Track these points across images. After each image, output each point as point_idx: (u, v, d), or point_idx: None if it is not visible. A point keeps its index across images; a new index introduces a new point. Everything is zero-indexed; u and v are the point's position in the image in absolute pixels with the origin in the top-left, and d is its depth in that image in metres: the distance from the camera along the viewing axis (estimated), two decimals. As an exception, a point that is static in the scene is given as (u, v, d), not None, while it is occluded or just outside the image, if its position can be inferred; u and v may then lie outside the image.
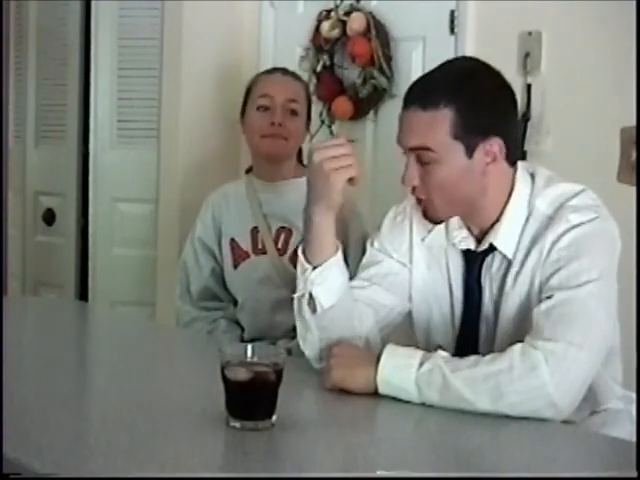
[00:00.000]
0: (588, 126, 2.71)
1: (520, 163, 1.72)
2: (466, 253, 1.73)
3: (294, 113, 2.39)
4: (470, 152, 1.61)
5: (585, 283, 1.57)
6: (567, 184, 1.69)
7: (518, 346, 1.52)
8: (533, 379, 1.48)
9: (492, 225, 1.69)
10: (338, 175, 1.60)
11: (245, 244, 2.44)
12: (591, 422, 1.73)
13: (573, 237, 1.61)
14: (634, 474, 1.27)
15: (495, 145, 1.62)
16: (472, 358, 1.54)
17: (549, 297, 1.58)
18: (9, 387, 1.56)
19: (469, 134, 1.60)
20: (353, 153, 1.62)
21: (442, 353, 1.56)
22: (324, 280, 1.67)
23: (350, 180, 1.62)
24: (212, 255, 2.51)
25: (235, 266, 2.45)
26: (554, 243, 1.62)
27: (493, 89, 1.64)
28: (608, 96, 2.67)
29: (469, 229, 1.73)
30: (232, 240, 2.46)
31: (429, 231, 1.78)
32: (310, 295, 1.68)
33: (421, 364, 1.53)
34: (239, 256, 2.44)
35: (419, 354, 1.56)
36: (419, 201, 1.69)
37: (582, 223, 1.62)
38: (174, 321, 3.31)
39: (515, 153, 1.69)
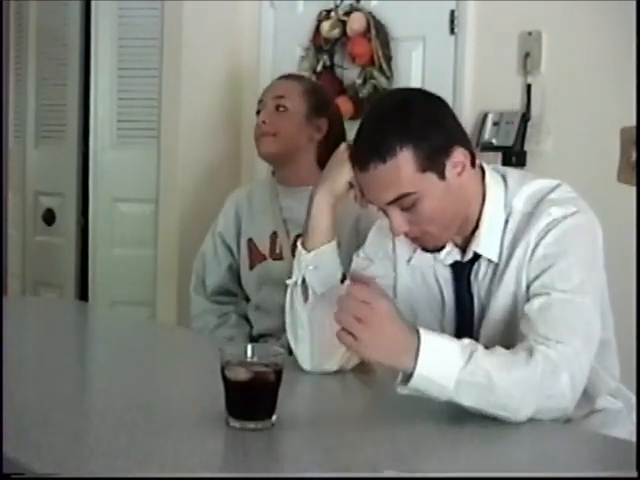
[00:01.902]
0: (588, 126, 2.71)
1: (488, 167, 1.72)
2: (454, 265, 1.73)
3: (283, 109, 2.38)
4: (442, 174, 1.60)
5: (580, 284, 1.56)
6: (541, 180, 1.69)
7: (540, 348, 1.49)
8: (556, 384, 1.48)
9: (473, 232, 1.68)
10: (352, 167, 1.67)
11: (263, 247, 2.44)
12: (590, 422, 1.73)
13: (560, 232, 1.60)
14: (634, 474, 1.27)
15: (459, 155, 1.62)
16: (507, 359, 1.47)
17: (543, 294, 1.57)
18: (9, 387, 1.56)
19: (434, 160, 1.58)
20: None
21: (480, 347, 1.47)
22: (318, 265, 1.71)
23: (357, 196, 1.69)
24: (230, 251, 2.52)
25: (251, 267, 2.46)
26: (540, 238, 1.61)
27: (431, 107, 1.63)
28: (608, 96, 2.67)
29: (452, 241, 1.72)
30: (250, 240, 2.46)
31: (414, 250, 1.76)
32: (303, 281, 1.71)
33: (466, 362, 1.44)
34: (256, 257, 2.45)
35: (458, 349, 1.46)
36: (413, 239, 1.68)
37: (565, 217, 1.61)
38: (174, 321, 3.33)
39: (473, 154, 1.67)
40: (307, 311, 1.72)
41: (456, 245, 1.71)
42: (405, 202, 1.59)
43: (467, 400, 1.45)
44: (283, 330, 2.35)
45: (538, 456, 1.37)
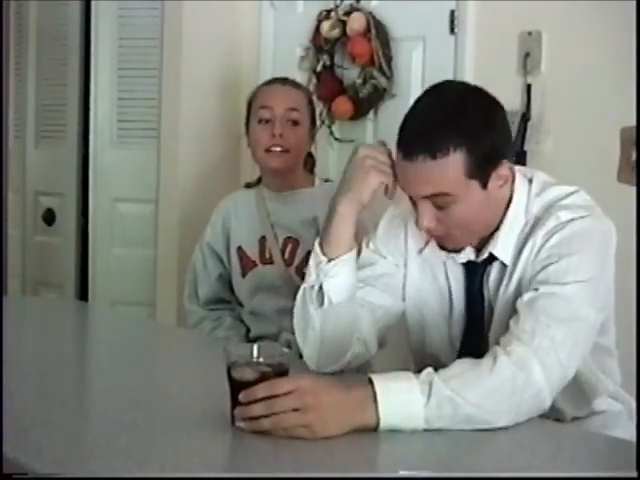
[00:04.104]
0: (588, 126, 2.71)
1: (519, 169, 1.71)
2: (467, 264, 1.71)
3: (295, 123, 2.38)
4: (485, 184, 1.59)
5: (571, 282, 1.55)
6: (561, 187, 1.68)
7: (507, 349, 1.47)
8: (530, 380, 1.46)
9: (491, 234, 1.67)
10: (377, 174, 1.64)
11: (252, 253, 2.44)
12: (591, 424, 1.73)
13: (565, 235, 1.59)
14: (634, 474, 1.27)
15: (505, 169, 1.61)
16: (471, 375, 1.45)
17: (534, 289, 1.57)
18: (9, 387, 1.56)
19: (482, 169, 1.57)
20: (394, 166, 1.64)
21: (436, 377, 1.45)
22: (337, 274, 1.66)
23: (386, 190, 1.66)
24: (220, 261, 2.51)
25: (243, 275, 2.46)
26: (545, 241, 1.60)
27: (489, 112, 1.61)
28: (608, 96, 2.67)
29: None
30: (239, 248, 2.46)
31: (426, 242, 1.75)
32: (320, 288, 1.66)
33: (427, 398, 1.42)
34: (246, 265, 2.45)
35: (416, 387, 1.43)
36: (436, 237, 1.67)
37: (572, 220, 1.60)
38: (174, 321, 3.33)
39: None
40: (320, 316, 1.68)
41: (471, 244, 1.70)
42: (440, 201, 1.58)
43: (442, 428, 1.43)
44: (279, 332, 2.37)
45: (538, 456, 1.37)
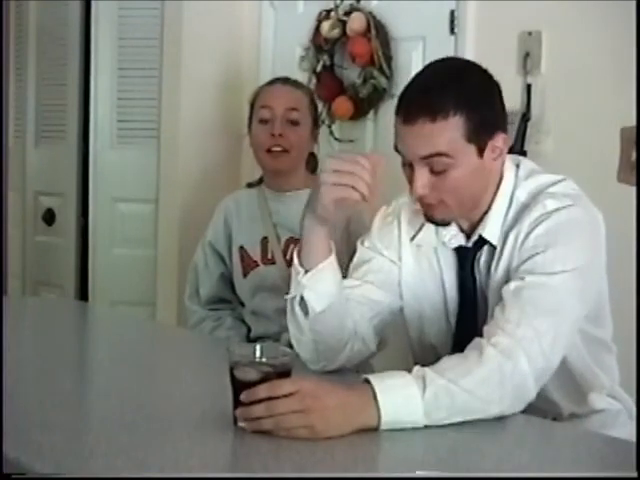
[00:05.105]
0: (588, 126, 2.71)
1: (508, 156, 1.73)
2: (458, 250, 1.73)
3: (295, 123, 2.38)
4: (481, 152, 1.62)
5: (559, 272, 1.56)
6: (547, 175, 1.71)
7: (492, 340, 1.48)
8: (516, 369, 1.47)
9: (481, 217, 1.69)
10: (329, 190, 1.55)
11: (254, 253, 2.44)
12: (590, 423, 1.73)
13: (552, 224, 1.60)
14: (634, 474, 1.27)
15: (500, 140, 1.65)
16: (461, 367, 1.46)
17: (520, 278, 1.57)
18: (9, 387, 1.56)
19: (480, 135, 1.61)
20: (365, 174, 1.52)
21: (428, 370, 1.46)
22: (315, 283, 1.64)
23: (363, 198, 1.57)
24: (222, 260, 2.52)
25: (245, 274, 2.46)
26: (531, 229, 1.62)
27: (488, 85, 1.68)
28: (608, 96, 2.67)
29: (458, 225, 1.73)
30: (241, 248, 2.46)
31: (418, 230, 1.77)
32: (302, 298, 1.66)
33: (423, 390, 1.43)
34: (248, 265, 2.45)
35: (412, 381, 1.44)
36: (427, 206, 1.67)
37: (558, 209, 1.61)
38: (174, 321, 3.33)
39: (510, 144, 1.70)
40: (309, 324, 1.68)
41: (462, 230, 1.72)
42: (437, 164, 1.60)
43: (440, 421, 1.43)
44: (280, 332, 2.37)
45: (538, 456, 1.37)
